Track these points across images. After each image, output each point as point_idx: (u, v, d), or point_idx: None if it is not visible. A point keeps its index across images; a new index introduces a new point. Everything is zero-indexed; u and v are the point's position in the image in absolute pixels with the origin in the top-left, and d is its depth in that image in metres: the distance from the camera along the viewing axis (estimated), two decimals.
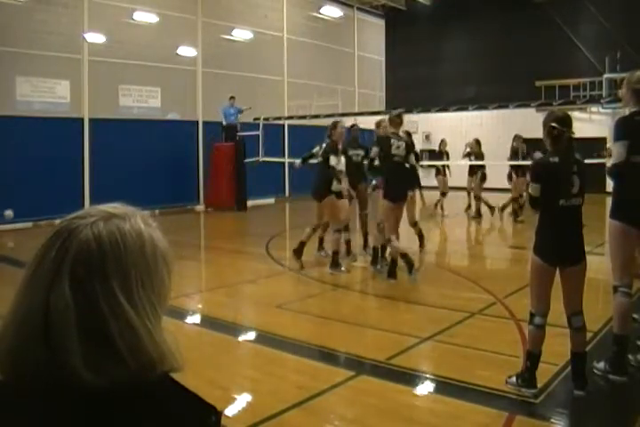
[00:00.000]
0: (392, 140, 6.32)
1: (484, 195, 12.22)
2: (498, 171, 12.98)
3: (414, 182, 7.82)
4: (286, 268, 7.34)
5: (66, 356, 0.67)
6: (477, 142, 12.17)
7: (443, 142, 13.07)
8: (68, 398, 0.67)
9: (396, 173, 6.29)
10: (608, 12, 16.32)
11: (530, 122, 10.09)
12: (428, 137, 20.20)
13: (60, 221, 0.76)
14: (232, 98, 14.29)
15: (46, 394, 0.67)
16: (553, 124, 3.25)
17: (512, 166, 11.91)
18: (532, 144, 12.52)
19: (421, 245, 8.11)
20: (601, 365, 3.57)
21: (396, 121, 6.46)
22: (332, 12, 19.03)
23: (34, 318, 0.68)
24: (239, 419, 3.15)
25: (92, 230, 0.72)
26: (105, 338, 0.68)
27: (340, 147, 7.08)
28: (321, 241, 7.82)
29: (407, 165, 6.45)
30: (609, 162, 3.77)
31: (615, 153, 3.55)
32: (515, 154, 11.63)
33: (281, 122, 15.77)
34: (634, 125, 3.53)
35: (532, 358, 3.32)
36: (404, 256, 6.23)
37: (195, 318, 5.34)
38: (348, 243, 7.49)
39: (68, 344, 0.67)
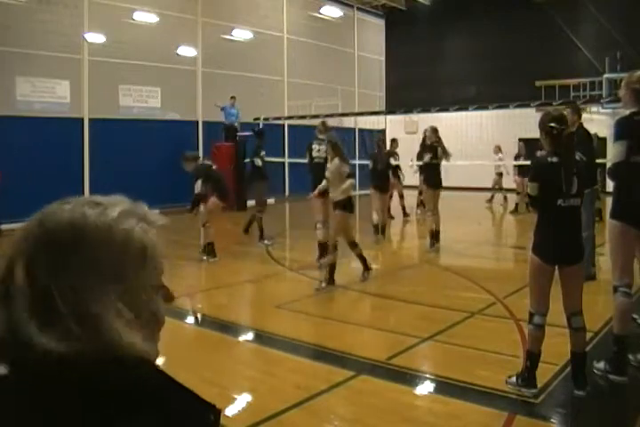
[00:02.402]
0: (313, 145, 7.52)
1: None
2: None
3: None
4: (286, 268, 7.34)
5: (21, 324, 0.68)
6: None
7: (394, 142, 12.17)
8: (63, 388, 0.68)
9: (316, 172, 7.26)
10: (608, 12, 16.32)
11: (530, 122, 10.10)
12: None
13: (54, 203, 0.78)
14: (233, 98, 14.30)
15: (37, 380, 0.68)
16: (551, 125, 3.26)
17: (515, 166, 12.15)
18: (532, 144, 12.60)
19: (366, 268, 6.54)
20: (601, 365, 3.57)
21: (319, 128, 7.64)
22: (331, 12, 19.04)
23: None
24: (239, 419, 3.15)
25: (62, 215, 0.73)
26: (54, 312, 0.69)
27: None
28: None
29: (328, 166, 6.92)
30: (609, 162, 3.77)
31: (615, 153, 3.55)
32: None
33: (281, 122, 15.78)
34: (634, 125, 3.52)
35: (532, 357, 3.32)
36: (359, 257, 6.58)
37: (195, 318, 5.34)
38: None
39: (21, 313, 0.68)
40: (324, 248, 6.91)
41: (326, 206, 7.03)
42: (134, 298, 0.74)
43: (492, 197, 15.08)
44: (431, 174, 8.37)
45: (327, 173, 6.53)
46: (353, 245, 6.45)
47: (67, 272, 0.70)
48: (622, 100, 3.74)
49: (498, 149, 14.41)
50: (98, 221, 0.73)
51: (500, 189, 14.89)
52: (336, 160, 6.37)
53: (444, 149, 8.28)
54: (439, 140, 8.32)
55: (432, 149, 8.27)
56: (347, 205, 6.26)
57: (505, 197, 14.90)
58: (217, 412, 0.77)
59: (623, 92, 3.66)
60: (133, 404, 0.68)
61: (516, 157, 12.75)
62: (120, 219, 0.75)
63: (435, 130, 8.41)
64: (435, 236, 8.45)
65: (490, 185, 15.14)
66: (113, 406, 0.67)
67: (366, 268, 6.53)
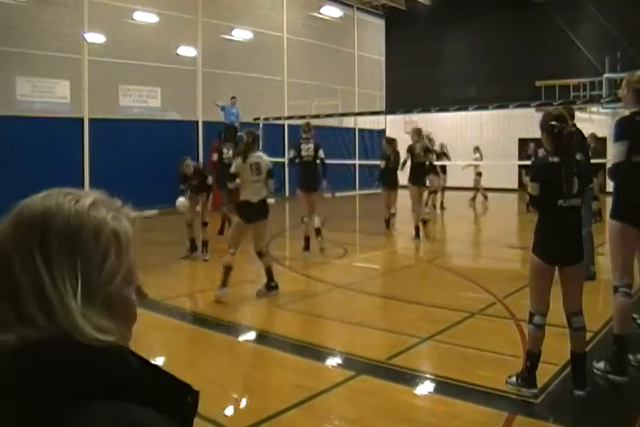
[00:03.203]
0: (302, 145, 7.95)
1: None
2: (501, 171, 13.13)
3: (319, 178, 8.08)
4: (286, 268, 7.34)
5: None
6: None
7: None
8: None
9: (306, 170, 7.94)
10: (608, 12, 16.32)
11: (530, 122, 10.10)
12: (428, 137, 20.20)
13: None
14: (233, 98, 14.30)
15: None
16: (552, 123, 3.26)
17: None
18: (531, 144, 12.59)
19: (269, 284, 5.88)
20: (601, 365, 3.57)
21: (304, 129, 8.08)
22: (332, 12, 19.04)
23: None
24: (239, 419, 3.16)
25: (36, 203, 0.76)
26: (15, 297, 0.70)
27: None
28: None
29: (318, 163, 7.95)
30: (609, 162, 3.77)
31: (615, 153, 3.55)
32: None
33: (281, 122, 15.78)
34: (635, 125, 3.52)
35: (532, 357, 3.32)
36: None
37: (195, 318, 5.34)
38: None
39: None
40: (308, 240, 7.90)
41: (311, 201, 7.89)
42: (105, 284, 0.74)
43: (475, 196, 15.37)
44: (412, 173, 9.24)
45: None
46: (260, 254, 5.85)
47: (33, 257, 0.71)
48: (623, 100, 3.73)
49: (476, 149, 14.75)
50: (71, 208, 0.75)
51: (478, 189, 15.28)
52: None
53: (426, 148, 9.29)
54: (420, 140, 9.28)
55: (409, 149, 9.26)
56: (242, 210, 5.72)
57: (485, 197, 15.31)
58: (194, 393, 0.77)
59: (624, 92, 3.65)
60: (99, 387, 0.68)
61: (528, 158, 12.81)
62: (92, 207, 0.77)
63: (415, 131, 9.39)
64: (417, 230, 9.19)
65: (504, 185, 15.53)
66: (70, 390, 0.67)
67: (269, 283, 5.81)
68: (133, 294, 0.81)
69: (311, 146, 7.90)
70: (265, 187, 5.69)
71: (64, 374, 0.67)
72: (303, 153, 7.94)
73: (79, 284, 0.72)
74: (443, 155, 13.59)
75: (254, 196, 5.64)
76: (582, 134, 5.88)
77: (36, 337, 0.68)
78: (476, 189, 15.27)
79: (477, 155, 14.65)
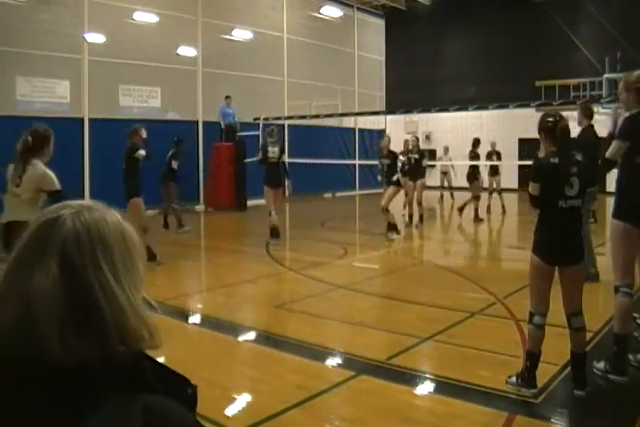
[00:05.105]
0: (269, 147, 8.95)
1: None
2: (501, 170, 13.12)
3: (283, 176, 9.35)
4: (286, 268, 7.34)
5: (43, 332, 0.69)
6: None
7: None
8: (49, 378, 0.69)
9: (271, 169, 9.00)
10: (608, 12, 16.32)
11: (530, 122, 10.09)
12: (428, 137, 20.22)
13: (43, 212, 0.81)
14: (228, 97, 14.29)
15: (19, 375, 0.69)
16: (547, 119, 3.30)
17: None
18: (532, 145, 12.59)
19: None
20: (601, 365, 3.57)
21: (270, 133, 9.12)
22: (332, 12, 19.04)
23: (14, 293, 0.71)
24: (239, 419, 3.16)
25: (80, 218, 0.77)
26: (90, 315, 0.71)
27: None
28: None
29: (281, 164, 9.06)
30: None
31: (612, 150, 3.54)
32: None
33: (281, 122, 15.77)
34: (637, 125, 3.51)
35: (532, 357, 3.32)
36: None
37: (195, 318, 5.35)
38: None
39: (47, 322, 0.69)
40: (274, 230, 8.96)
41: (277, 196, 9.06)
42: (139, 288, 0.80)
43: (442, 195, 15.89)
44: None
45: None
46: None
47: (99, 265, 0.74)
48: (623, 101, 3.69)
49: (446, 150, 15.11)
50: (112, 223, 0.79)
51: (444, 187, 15.74)
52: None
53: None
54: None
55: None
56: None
57: (452, 195, 15.49)
58: (193, 387, 0.82)
59: (623, 94, 3.63)
60: (107, 383, 0.71)
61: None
62: (122, 220, 0.82)
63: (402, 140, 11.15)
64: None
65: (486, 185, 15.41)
66: (81, 388, 0.69)
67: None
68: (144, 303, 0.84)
69: (277, 149, 8.99)
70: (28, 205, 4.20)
71: (84, 372, 0.70)
72: (270, 155, 8.93)
73: (136, 290, 0.78)
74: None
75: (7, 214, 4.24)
76: (596, 135, 5.76)
77: (99, 354, 0.71)
78: (442, 187, 15.77)
79: (448, 155, 14.99)
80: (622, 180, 3.63)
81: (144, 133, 7.48)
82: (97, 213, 0.79)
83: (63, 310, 0.69)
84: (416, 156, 11.25)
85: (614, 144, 3.55)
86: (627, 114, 3.65)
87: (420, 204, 11.25)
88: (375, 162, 10.96)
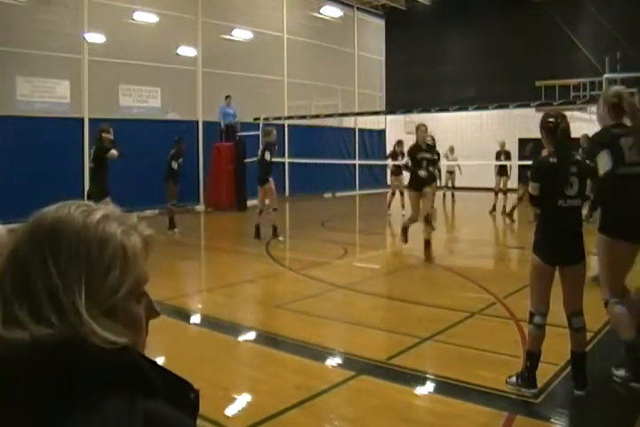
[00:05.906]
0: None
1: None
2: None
3: (265, 174, 9.57)
4: (286, 268, 7.34)
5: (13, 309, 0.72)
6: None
7: (400, 144, 12.60)
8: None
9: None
10: (608, 12, 16.31)
11: (530, 122, 10.10)
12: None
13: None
14: (228, 97, 14.28)
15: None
16: (549, 120, 3.30)
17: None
18: (535, 144, 12.58)
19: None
20: (621, 372, 3.46)
21: (266, 134, 9.63)
22: (332, 12, 19.03)
23: None
24: (239, 419, 3.16)
25: (49, 213, 0.79)
26: (31, 298, 0.73)
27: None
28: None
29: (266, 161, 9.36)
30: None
31: (601, 164, 3.44)
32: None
33: (281, 122, 15.77)
34: (612, 137, 3.46)
35: (532, 357, 3.32)
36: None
37: (195, 318, 5.35)
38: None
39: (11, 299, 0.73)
40: (258, 229, 9.37)
41: (266, 193, 9.39)
42: (106, 296, 0.76)
43: (444, 195, 16.02)
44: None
45: None
46: None
47: (46, 264, 0.74)
48: (598, 115, 3.65)
49: (452, 149, 15.32)
50: (80, 221, 0.77)
51: (448, 187, 15.87)
52: None
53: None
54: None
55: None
56: None
57: (452, 195, 15.72)
58: (196, 391, 0.81)
59: (600, 108, 3.60)
60: (105, 384, 0.70)
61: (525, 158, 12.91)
62: (102, 221, 0.79)
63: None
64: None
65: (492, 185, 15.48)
66: (77, 388, 0.69)
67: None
68: (141, 309, 0.82)
69: (259, 149, 9.72)
70: None
71: (77, 372, 0.70)
72: (258, 153, 9.61)
73: (83, 293, 0.74)
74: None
75: None
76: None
77: (50, 337, 0.70)
78: (447, 187, 15.86)
79: (454, 155, 15.19)
80: (607, 195, 3.58)
81: (111, 133, 7.68)
82: (69, 209, 0.78)
83: (16, 297, 0.73)
84: (434, 156, 10.69)
85: (602, 156, 3.46)
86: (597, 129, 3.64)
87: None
88: (375, 162, 10.95)
